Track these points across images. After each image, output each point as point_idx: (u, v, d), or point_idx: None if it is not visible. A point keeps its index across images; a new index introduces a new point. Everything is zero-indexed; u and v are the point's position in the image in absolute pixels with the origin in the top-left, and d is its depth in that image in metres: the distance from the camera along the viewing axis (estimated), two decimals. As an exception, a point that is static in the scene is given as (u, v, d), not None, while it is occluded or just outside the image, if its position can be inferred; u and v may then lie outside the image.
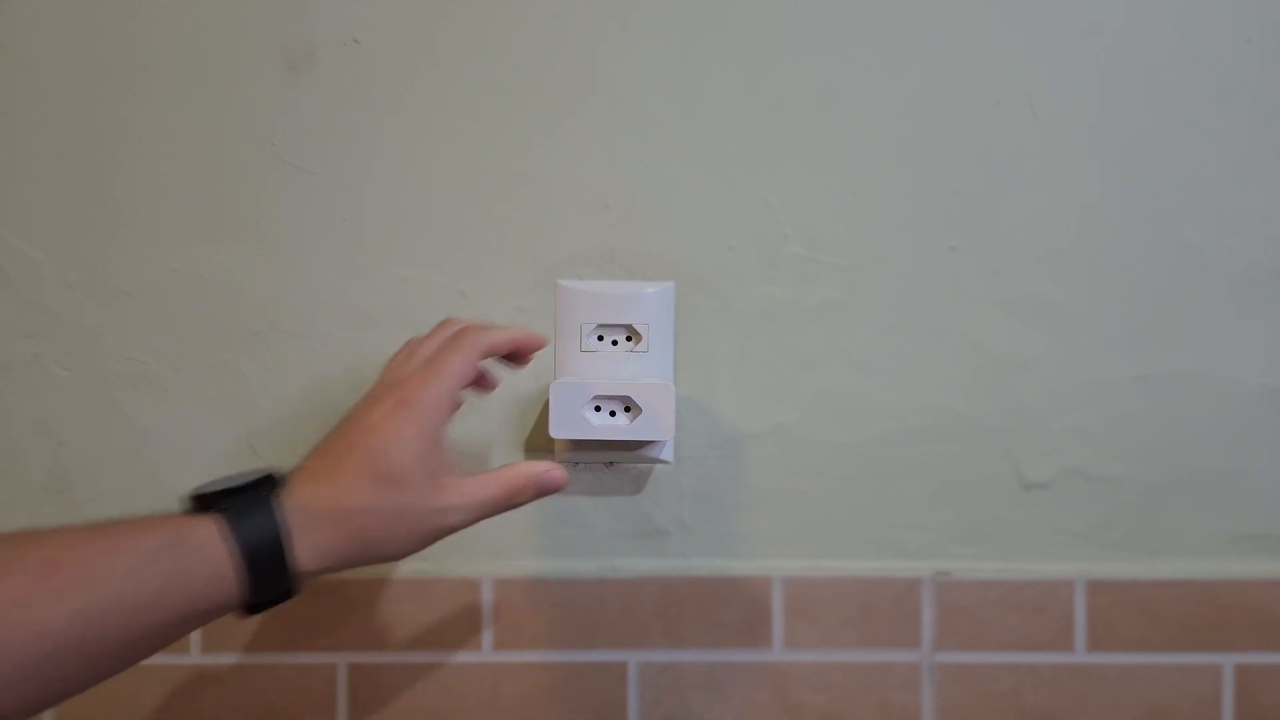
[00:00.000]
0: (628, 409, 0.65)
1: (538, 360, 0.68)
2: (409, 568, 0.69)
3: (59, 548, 0.40)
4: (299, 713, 0.68)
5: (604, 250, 0.68)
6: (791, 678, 0.69)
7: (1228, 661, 0.70)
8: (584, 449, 0.68)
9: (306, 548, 0.45)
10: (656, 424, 0.63)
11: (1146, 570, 0.70)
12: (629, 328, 0.67)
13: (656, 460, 0.68)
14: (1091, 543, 0.70)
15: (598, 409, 0.65)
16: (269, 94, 0.67)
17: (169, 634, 0.43)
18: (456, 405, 0.51)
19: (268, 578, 0.44)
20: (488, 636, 0.69)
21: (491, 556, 0.69)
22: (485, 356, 0.53)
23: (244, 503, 0.45)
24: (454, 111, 0.67)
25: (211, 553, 0.43)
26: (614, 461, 0.69)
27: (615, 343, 0.67)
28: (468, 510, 0.49)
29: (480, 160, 0.68)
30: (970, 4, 0.67)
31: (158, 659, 0.67)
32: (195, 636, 0.68)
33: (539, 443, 0.69)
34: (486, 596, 0.69)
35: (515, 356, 0.56)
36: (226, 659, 0.68)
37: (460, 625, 0.69)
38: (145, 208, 0.67)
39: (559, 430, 0.64)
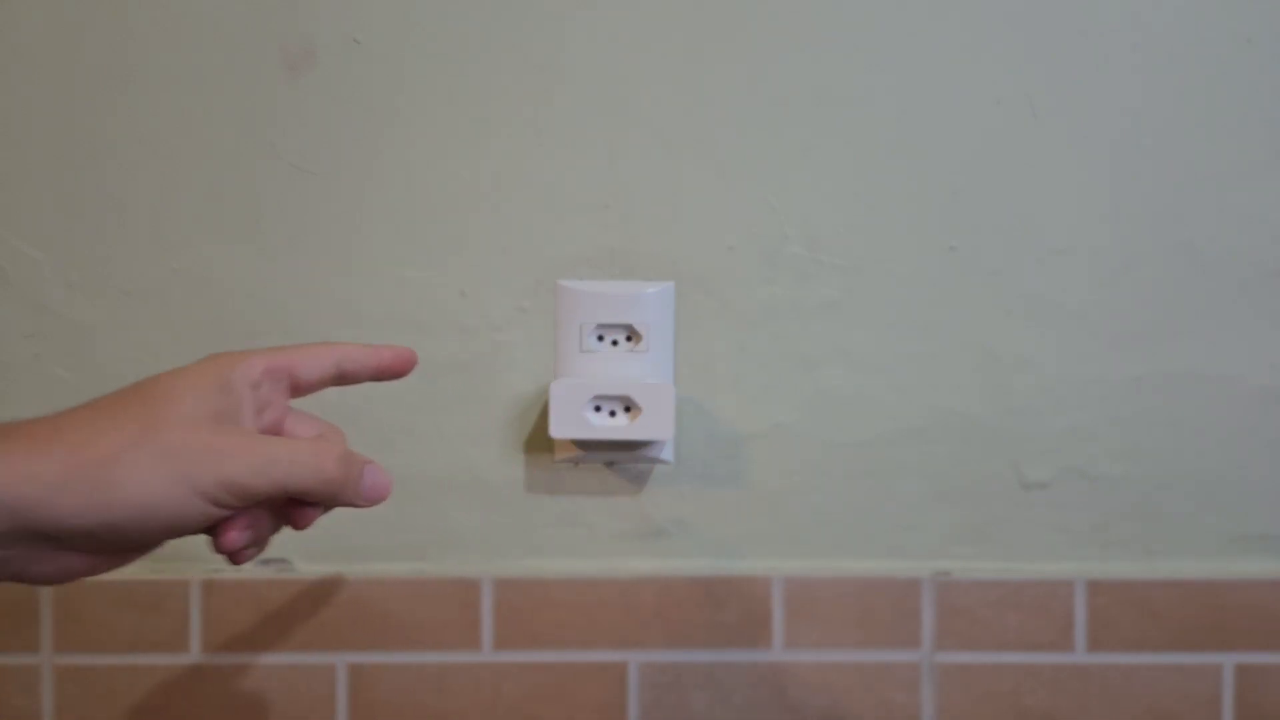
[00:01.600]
0: (628, 409, 0.65)
1: (538, 360, 0.68)
2: (409, 567, 0.69)
3: None
4: (299, 713, 0.68)
5: (604, 250, 0.68)
6: (791, 678, 0.69)
7: (1228, 661, 0.70)
8: (584, 449, 0.68)
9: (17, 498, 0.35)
10: (656, 424, 0.63)
11: (1146, 570, 0.70)
12: (629, 328, 0.67)
13: (656, 460, 0.68)
14: (1091, 543, 0.70)
15: (598, 409, 0.65)
16: (269, 94, 0.67)
17: None
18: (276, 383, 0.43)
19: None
20: (488, 636, 0.69)
21: (491, 556, 0.69)
22: (337, 376, 0.46)
23: None
24: (454, 111, 0.67)
25: None
26: (614, 461, 0.69)
27: (615, 343, 0.67)
28: (249, 464, 0.39)
29: (480, 160, 0.68)
30: (970, 4, 0.67)
31: (158, 659, 0.68)
32: (195, 636, 0.68)
33: (539, 443, 0.69)
34: (486, 596, 0.69)
35: (382, 374, 0.48)
36: (226, 659, 0.68)
37: (460, 625, 0.69)
38: (145, 208, 0.67)
39: (559, 430, 0.64)
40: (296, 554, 0.69)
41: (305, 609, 0.68)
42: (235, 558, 0.42)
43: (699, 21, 0.67)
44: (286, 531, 0.69)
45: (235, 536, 0.41)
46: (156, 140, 0.67)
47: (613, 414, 0.65)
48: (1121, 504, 0.70)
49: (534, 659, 0.69)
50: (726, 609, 0.69)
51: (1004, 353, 0.69)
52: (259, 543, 0.43)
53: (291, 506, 0.44)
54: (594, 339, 0.67)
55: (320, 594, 0.68)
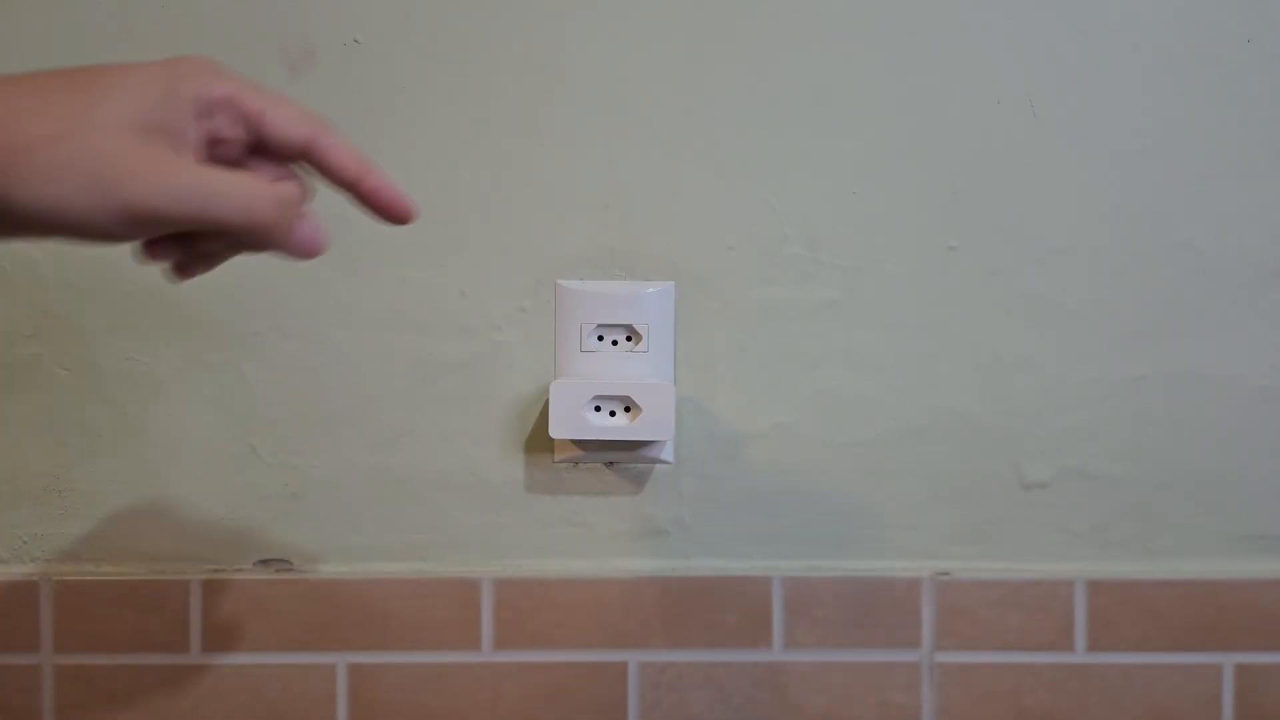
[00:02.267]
0: (628, 409, 0.65)
1: (538, 360, 0.68)
2: (409, 567, 0.69)
3: None
4: (299, 713, 0.68)
5: (604, 250, 0.68)
6: (791, 678, 0.69)
7: (1228, 661, 0.70)
8: (584, 449, 0.68)
9: None
10: (656, 424, 0.63)
11: (1146, 570, 0.70)
12: (629, 328, 0.67)
13: (656, 460, 0.68)
14: (1091, 543, 0.70)
15: (598, 409, 0.65)
16: (269, 94, 0.67)
17: None
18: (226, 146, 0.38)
19: None
20: (488, 636, 0.69)
21: (491, 556, 0.69)
22: (304, 155, 0.40)
23: None
24: (454, 111, 0.67)
25: None
26: (614, 461, 0.69)
27: (615, 343, 0.67)
28: (173, 200, 0.36)
29: (480, 160, 0.67)
30: (970, 4, 0.67)
31: (158, 659, 0.68)
32: (195, 636, 0.68)
33: (539, 443, 0.69)
34: (486, 596, 0.69)
35: (367, 202, 0.44)
36: (226, 659, 0.68)
37: (460, 625, 0.69)
38: (145, 208, 0.67)
39: (559, 430, 0.64)
40: (296, 554, 0.69)
41: (305, 609, 0.68)
42: (175, 274, 0.40)
43: (699, 21, 0.67)
44: (286, 532, 0.69)
45: (159, 251, 0.39)
46: (156, 140, 0.67)
47: (613, 414, 0.65)
48: (1121, 504, 0.70)
49: (534, 659, 0.69)
50: (726, 609, 0.69)
51: (1004, 353, 0.69)
52: (203, 261, 0.41)
53: (217, 241, 0.40)
54: (594, 339, 0.67)
55: (320, 594, 0.68)
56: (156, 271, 0.67)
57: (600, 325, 0.67)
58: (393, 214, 0.44)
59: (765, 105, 0.68)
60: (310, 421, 0.68)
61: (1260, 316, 0.69)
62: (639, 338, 0.67)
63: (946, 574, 0.70)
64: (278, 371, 0.68)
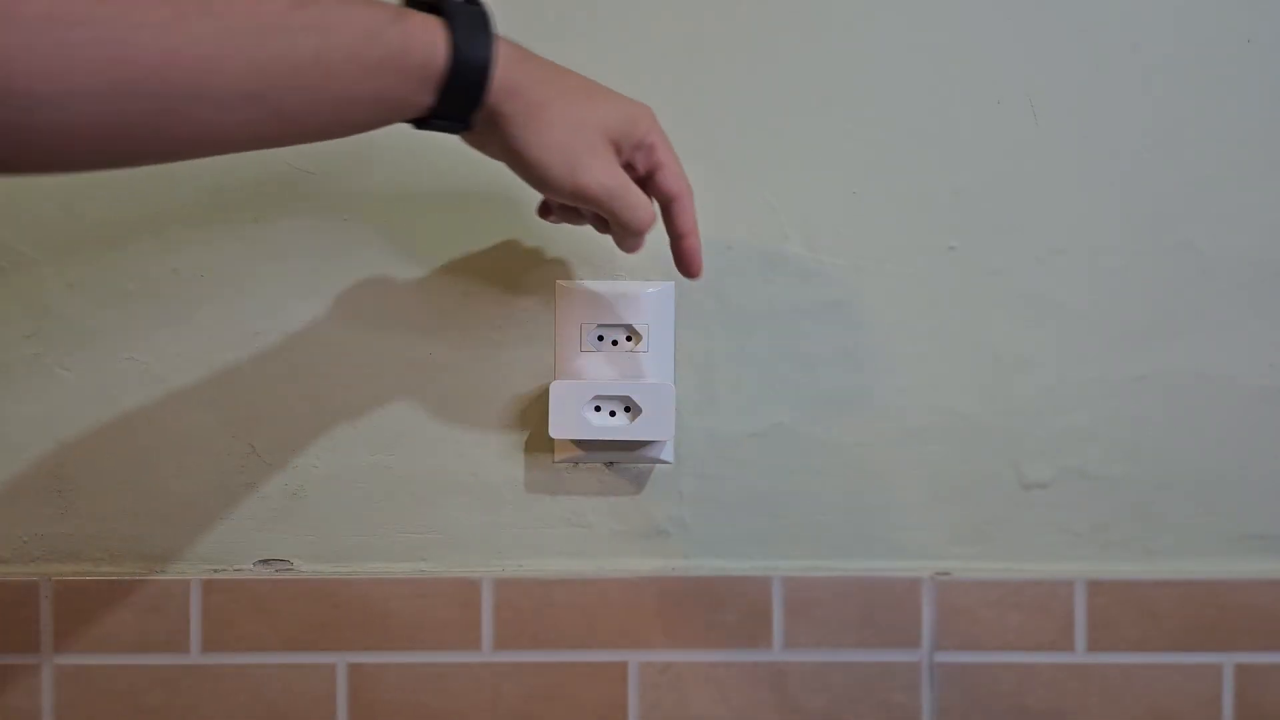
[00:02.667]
0: (628, 409, 0.65)
1: (538, 360, 0.68)
2: (409, 567, 0.69)
3: None
4: (299, 713, 0.68)
5: (604, 250, 0.68)
6: (791, 678, 0.69)
7: (1228, 661, 0.70)
8: (584, 449, 0.68)
9: (497, 83, 0.46)
10: (656, 424, 0.63)
11: (1146, 570, 0.70)
12: (629, 328, 0.67)
13: (656, 460, 0.68)
14: (1091, 543, 0.70)
15: (598, 409, 0.65)
16: (269, 94, 0.67)
17: (339, 112, 0.43)
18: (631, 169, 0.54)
19: (464, 91, 0.45)
20: (488, 636, 0.69)
21: (491, 556, 0.69)
22: (666, 204, 0.55)
23: (468, 14, 0.45)
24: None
25: (427, 49, 0.44)
26: (614, 461, 0.69)
27: (615, 343, 0.68)
28: (598, 191, 0.50)
29: (480, 160, 0.67)
30: (970, 4, 0.67)
31: (158, 659, 0.68)
32: (195, 636, 0.68)
33: (539, 443, 0.69)
34: (486, 596, 0.69)
35: (675, 255, 0.57)
36: (226, 659, 0.68)
37: (460, 625, 0.69)
38: (145, 208, 0.67)
39: (559, 430, 0.64)
40: (296, 554, 0.69)
41: (305, 609, 0.68)
42: (545, 217, 0.59)
43: (699, 21, 0.67)
44: (286, 532, 0.70)
45: (555, 213, 0.58)
46: (156, 140, 0.67)
47: (613, 414, 0.65)
48: (1121, 504, 0.70)
49: (534, 659, 0.69)
50: (726, 609, 0.69)
51: (1004, 353, 0.69)
52: (571, 220, 0.58)
53: (598, 221, 0.57)
54: (594, 339, 0.67)
55: (320, 594, 0.68)
56: (156, 271, 0.68)
57: (600, 325, 0.67)
58: (689, 269, 0.57)
59: (765, 105, 0.68)
60: (310, 421, 0.68)
61: (1260, 316, 0.69)
62: (639, 338, 0.67)
63: (946, 574, 0.70)
64: (278, 371, 0.68)
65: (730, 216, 0.68)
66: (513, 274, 0.68)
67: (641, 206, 0.52)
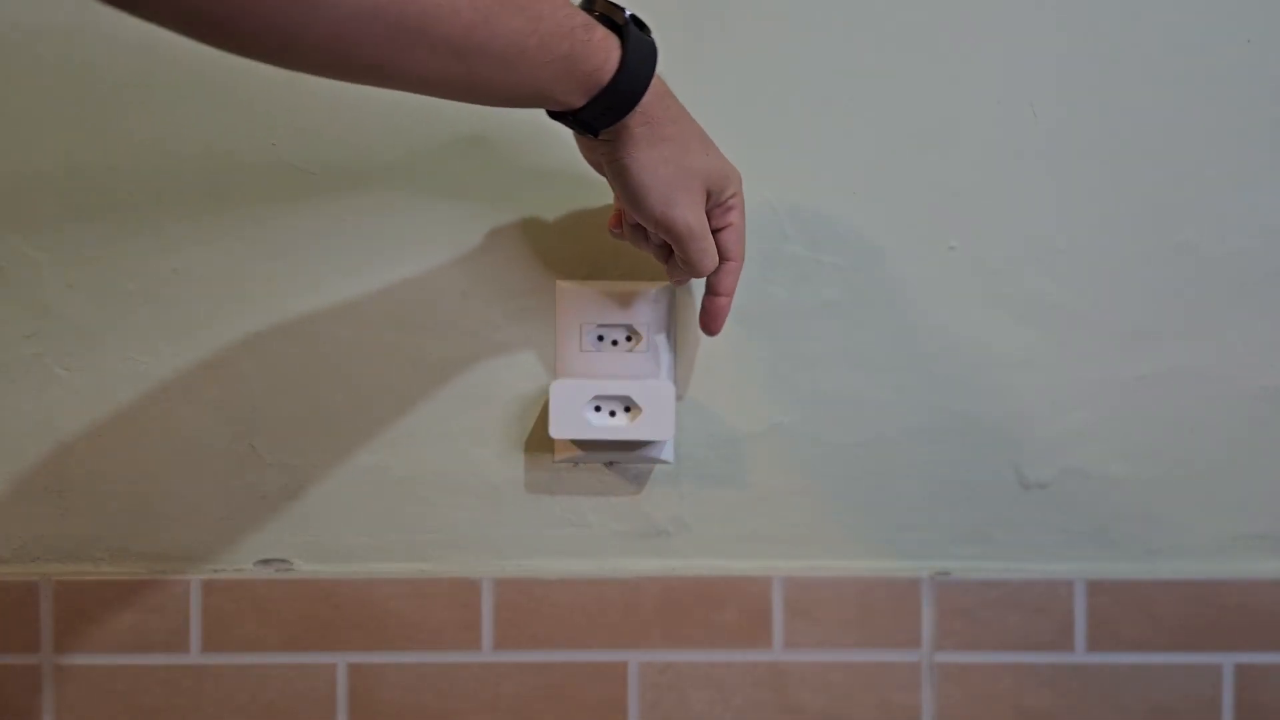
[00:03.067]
0: (628, 409, 0.65)
1: (538, 360, 0.68)
2: (409, 567, 0.69)
3: None
4: (299, 713, 0.68)
5: (604, 250, 0.68)
6: (791, 678, 0.69)
7: (1228, 661, 0.70)
8: (584, 449, 0.68)
9: (639, 108, 0.52)
10: (656, 424, 0.63)
11: (1146, 570, 0.70)
12: (629, 328, 0.67)
13: (656, 460, 0.68)
14: (1091, 543, 0.70)
15: (598, 409, 0.65)
16: (269, 94, 0.67)
17: (510, 86, 0.48)
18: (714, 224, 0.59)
19: (612, 108, 0.50)
20: (488, 636, 0.69)
21: (491, 556, 0.69)
22: (720, 262, 0.60)
23: (642, 45, 0.51)
24: (453, 111, 0.67)
25: (600, 62, 0.49)
26: (614, 461, 0.69)
27: (615, 343, 0.68)
28: (680, 227, 0.55)
29: (480, 159, 0.68)
30: (971, 4, 0.67)
31: (158, 659, 0.68)
32: (195, 636, 0.68)
33: (539, 443, 0.69)
34: (486, 596, 0.69)
35: (705, 312, 0.62)
36: (226, 659, 0.68)
37: (460, 625, 0.69)
38: (145, 208, 0.67)
39: (559, 430, 0.64)
40: (296, 554, 0.69)
41: (305, 609, 0.68)
42: (615, 233, 0.63)
43: (698, 22, 0.67)
44: (286, 532, 0.70)
45: (628, 233, 0.61)
46: (157, 141, 0.67)
47: (613, 414, 0.65)
48: (1121, 504, 0.70)
49: (534, 659, 0.69)
50: (726, 609, 0.69)
51: (1004, 353, 0.69)
52: (639, 243, 0.61)
53: (665, 249, 0.60)
54: (594, 339, 0.67)
55: (320, 594, 0.68)
56: (156, 272, 0.68)
57: (600, 325, 0.67)
58: (711, 325, 0.62)
59: (765, 105, 0.68)
60: (310, 421, 0.68)
61: (1260, 316, 0.69)
62: (639, 338, 0.67)
63: (946, 574, 0.70)
64: (278, 371, 0.68)
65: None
66: (513, 274, 0.68)
67: (710, 253, 0.57)
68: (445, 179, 0.67)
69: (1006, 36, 0.68)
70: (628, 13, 0.51)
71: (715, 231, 0.59)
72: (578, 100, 0.50)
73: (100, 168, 0.67)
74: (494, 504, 0.69)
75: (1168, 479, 0.70)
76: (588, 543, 0.70)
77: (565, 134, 0.68)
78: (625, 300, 0.67)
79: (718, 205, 0.58)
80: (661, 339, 0.67)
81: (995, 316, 0.69)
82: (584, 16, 0.49)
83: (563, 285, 0.68)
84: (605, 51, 0.49)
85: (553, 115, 0.52)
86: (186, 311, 0.68)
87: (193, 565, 0.68)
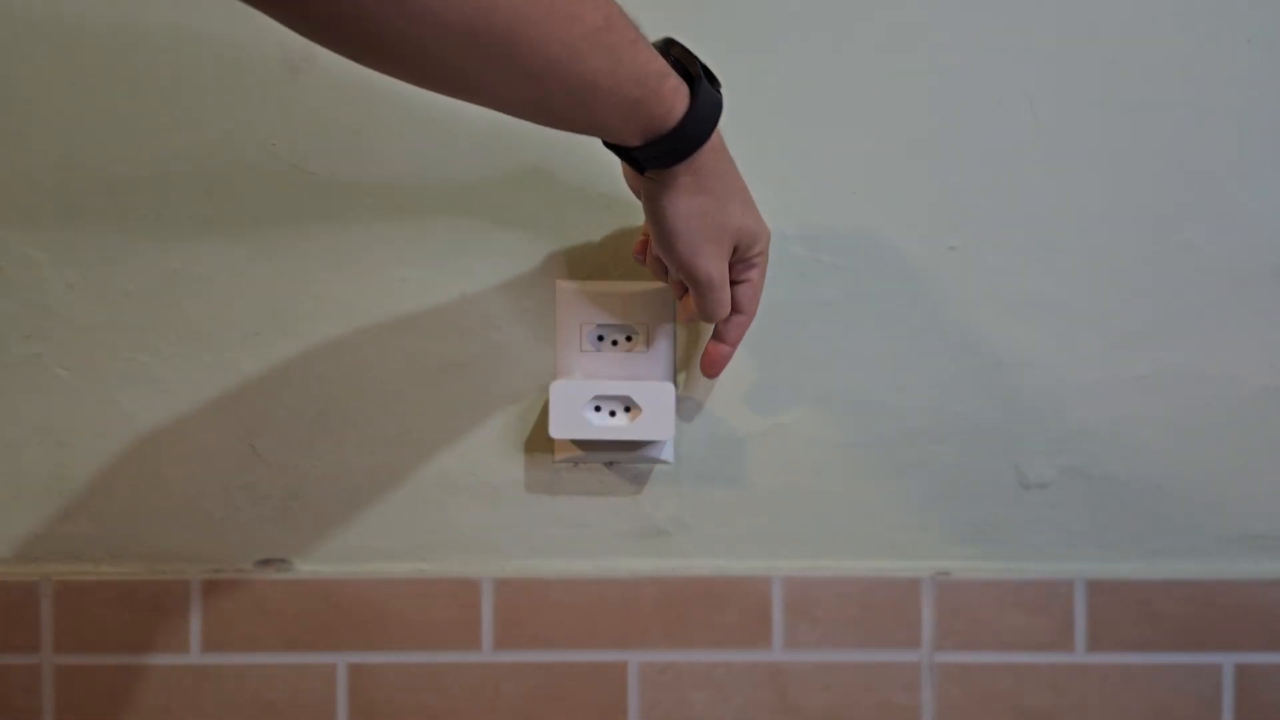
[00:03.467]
0: (628, 409, 0.65)
1: (538, 360, 0.68)
2: (409, 567, 0.69)
3: (610, 5, 0.46)
4: (299, 713, 0.68)
5: (604, 250, 0.68)
6: (791, 678, 0.69)
7: (1228, 661, 0.70)
8: (584, 449, 0.68)
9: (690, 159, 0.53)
10: (656, 424, 0.63)
11: (1146, 570, 0.70)
12: (629, 328, 0.67)
13: (656, 460, 0.68)
14: (1091, 543, 0.70)
15: (598, 409, 0.65)
16: (269, 94, 0.67)
17: (576, 117, 0.48)
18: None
19: (665, 155, 0.51)
20: (488, 636, 0.69)
21: (491, 556, 0.69)
22: (732, 312, 0.61)
23: (710, 103, 0.52)
24: (454, 111, 0.67)
25: (666, 112, 0.50)
26: (614, 461, 0.69)
27: (615, 343, 0.67)
28: (701, 276, 0.57)
29: (481, 160, 0.68)
30: (970, 4, 0.67)
31: (158, 659, 0.68)
32: (195, 636, 0.68)
33: (539, 443, 0.69)
34: (486, 596, 0.69)
35: (706, 355, 0.64)
36: (226, 659, 0.68)
37: (460, 625, 0.69)
38: (145, 208, 0.67)
39: (559, 430, 0.64)
40: (296, 554, 0.69)
41: (305, 609, 0.68)
42: (640, 260, 0.64)
43: (698, 22, 0.67)
44: (286, 532, 0.70)
45: (652, 264, 0.62)
46: (157, 140, 0.67)
47: (613, 414, 0.65)
48: (1121, 504, 0.70)
49: (534, 659, 0.69)
50: (726, 609, 0.69)
51: (1004, 353, 0.69)
52: (658, 275, 0.63)
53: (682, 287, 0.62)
54: (594, 339, 0.67)
55: (320, 594, 0.68)
56: (156, 272, 0.68)
57: (600, 325, 0.67)
58: (710, 369, 0.63)
59: (765, 105, 0.68)
60: (310, 421, 0.68)
61: (1260, 316, 0.69)
62: (639, 338, 0.67)
63: (946, 574, 0.70)
64: (278, 371, 0.68)
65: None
66: (513, 274, 0.68)
67: (725, 304, 0.58)
68: (445, 179, 0.67)
69: (1006, 36, 0.68)
70: (700, 64, 0.52)
71: (733, 284, 0.60)
72: (634, 140, 0.51)
73: (100, 168, 0.67)
74: (494, 504, 0.69)
75: (1168, 479, 0.70)
76: (588, 543, 0.70)
77: (568, 135, 0.68)
78: (625, 300, 0.67)
79: (741, 260, 0.59)
80: (661, 339, 0.67)
81: (995, 316, 0.69)
82: (661, 63, 0.49)
83: (563, 285, 0.68)
84: (673, 101, 0.49)
85: (606, 144, 0.53)
86: (186, 311, 0.68)
87: (193, 565, 0.68)
